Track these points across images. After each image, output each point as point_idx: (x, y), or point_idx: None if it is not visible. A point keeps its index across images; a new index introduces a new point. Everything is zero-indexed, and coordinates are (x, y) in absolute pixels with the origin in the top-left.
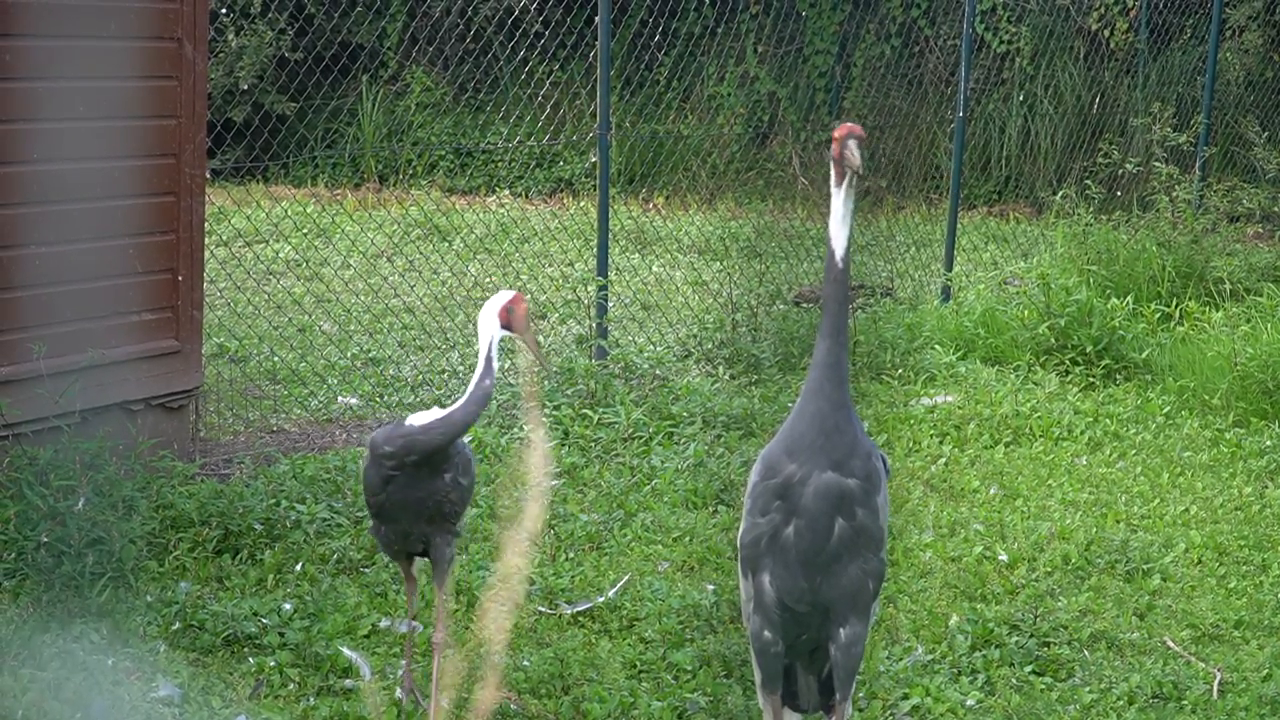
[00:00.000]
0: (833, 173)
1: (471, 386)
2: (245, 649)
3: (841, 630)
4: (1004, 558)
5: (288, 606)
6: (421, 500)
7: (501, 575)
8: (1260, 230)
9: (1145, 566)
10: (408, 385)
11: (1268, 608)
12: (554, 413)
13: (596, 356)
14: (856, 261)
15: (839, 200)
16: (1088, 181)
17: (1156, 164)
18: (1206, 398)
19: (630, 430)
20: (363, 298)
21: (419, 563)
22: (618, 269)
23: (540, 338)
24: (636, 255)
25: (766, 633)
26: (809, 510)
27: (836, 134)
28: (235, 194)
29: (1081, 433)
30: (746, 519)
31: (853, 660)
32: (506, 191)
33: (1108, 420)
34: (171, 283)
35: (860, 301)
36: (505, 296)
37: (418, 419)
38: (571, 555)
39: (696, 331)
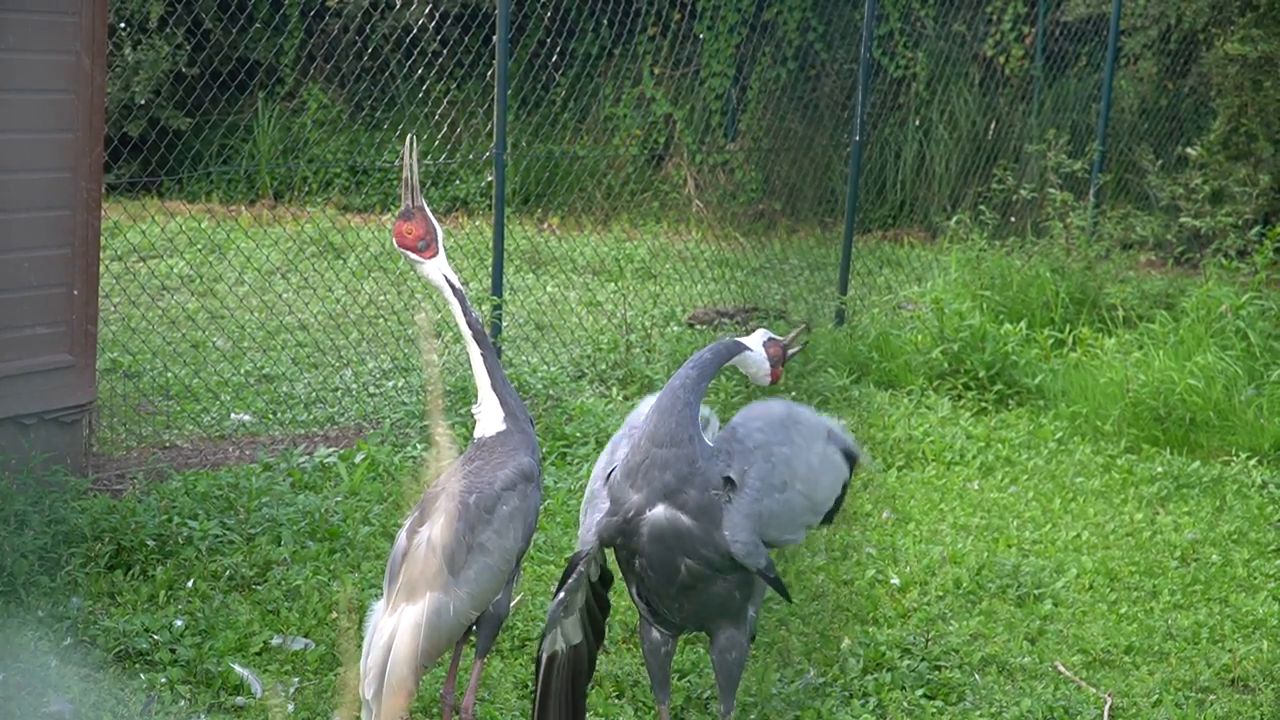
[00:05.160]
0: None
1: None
2: (137, 665)
3: (718, 635)
4: (896, 582)
5: (179, 623)
6: None
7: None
8: (1153, 258)
9: (1037, 591)
10: (301, 402)
11: (1158, 633)
12: (448, 431)
13: None
14: (750, 284)
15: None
16: (982, 207)
17: (1051, 190)
18: (1099, 424)
19: None
20: (257, 314)
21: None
22: (512, 288)
23: (435, 356)
24: (531, 275)
25: (655, 633)
26: (649, 553)
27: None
28: (130, 209)
29: (974, 457)
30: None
31: (729, 667)
32: None
33: (1000, 445)
34: (66, 297)
35: (753, 324)
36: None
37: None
38: None
39: (590, 352)
